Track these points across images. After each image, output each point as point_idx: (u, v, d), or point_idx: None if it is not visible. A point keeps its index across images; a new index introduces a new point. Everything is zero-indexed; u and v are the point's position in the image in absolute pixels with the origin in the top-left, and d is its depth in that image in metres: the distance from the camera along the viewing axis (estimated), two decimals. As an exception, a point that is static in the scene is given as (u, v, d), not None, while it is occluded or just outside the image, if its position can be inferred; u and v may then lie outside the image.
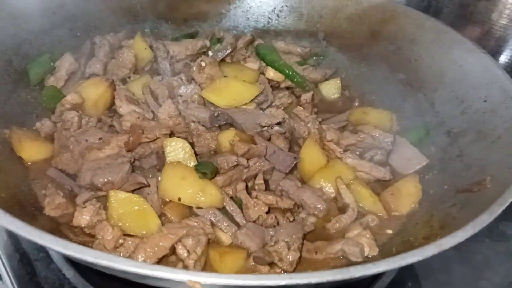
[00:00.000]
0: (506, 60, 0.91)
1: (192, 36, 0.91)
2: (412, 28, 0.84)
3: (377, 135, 0.73)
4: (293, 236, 0.53)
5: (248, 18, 0.95)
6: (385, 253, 0.54)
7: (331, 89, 0.86)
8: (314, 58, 0.91)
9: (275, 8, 0.94)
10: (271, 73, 0.82)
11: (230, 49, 0.83)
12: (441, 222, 0.57)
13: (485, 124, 0.68)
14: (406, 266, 0.48)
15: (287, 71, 0.82)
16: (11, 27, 0.74)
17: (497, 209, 0.49)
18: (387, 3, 0.87)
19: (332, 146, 0.67)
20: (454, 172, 0.66)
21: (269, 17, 0.95)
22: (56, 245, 0.42)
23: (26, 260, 0.64)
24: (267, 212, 0.58)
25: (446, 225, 0.56)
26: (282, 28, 0.95)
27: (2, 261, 0.62)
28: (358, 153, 0.71)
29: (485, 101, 0.70)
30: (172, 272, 0.39)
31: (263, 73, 0.83)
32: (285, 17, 0.94)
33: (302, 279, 0.41)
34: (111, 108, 0.72)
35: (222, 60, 0.83)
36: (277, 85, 0.83)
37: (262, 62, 0.83)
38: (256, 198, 0.60)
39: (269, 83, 0.80)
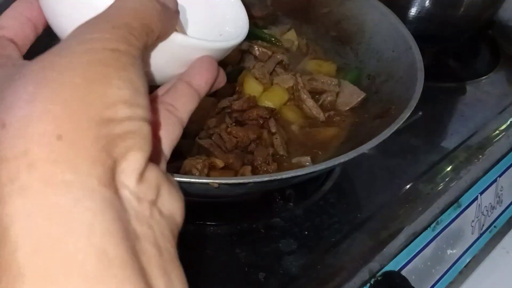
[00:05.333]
0: (413, 14, 1.17)
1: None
2: (339, -5, 1.07)
3: (326, 80, 0.95)
4: (261, 158, 0.77)
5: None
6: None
7: (291, 41, 1.06)
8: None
9: (229, -19, 1.15)
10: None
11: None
12: (365, 136, 0.80)
13: (393, 68, 0.92)
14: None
15: (263, 35, 1.02)
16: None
17: (396, 125, 0.73)
18: (318, -25, 1.10)
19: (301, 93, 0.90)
20: (372, 104, 0.92)
21: (224, -11, 1.16)
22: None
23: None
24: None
25: (369, 138, 0.77)
26: (236, -2, 1.16)
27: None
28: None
29: (393, 51, 0.95)
30: (199, 179, 0.62)
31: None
32: (238, -12, 1.16)
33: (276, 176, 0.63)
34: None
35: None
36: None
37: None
38: (229, 134, 0.81)
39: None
